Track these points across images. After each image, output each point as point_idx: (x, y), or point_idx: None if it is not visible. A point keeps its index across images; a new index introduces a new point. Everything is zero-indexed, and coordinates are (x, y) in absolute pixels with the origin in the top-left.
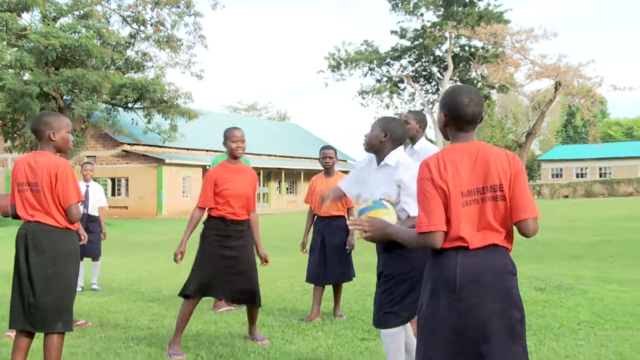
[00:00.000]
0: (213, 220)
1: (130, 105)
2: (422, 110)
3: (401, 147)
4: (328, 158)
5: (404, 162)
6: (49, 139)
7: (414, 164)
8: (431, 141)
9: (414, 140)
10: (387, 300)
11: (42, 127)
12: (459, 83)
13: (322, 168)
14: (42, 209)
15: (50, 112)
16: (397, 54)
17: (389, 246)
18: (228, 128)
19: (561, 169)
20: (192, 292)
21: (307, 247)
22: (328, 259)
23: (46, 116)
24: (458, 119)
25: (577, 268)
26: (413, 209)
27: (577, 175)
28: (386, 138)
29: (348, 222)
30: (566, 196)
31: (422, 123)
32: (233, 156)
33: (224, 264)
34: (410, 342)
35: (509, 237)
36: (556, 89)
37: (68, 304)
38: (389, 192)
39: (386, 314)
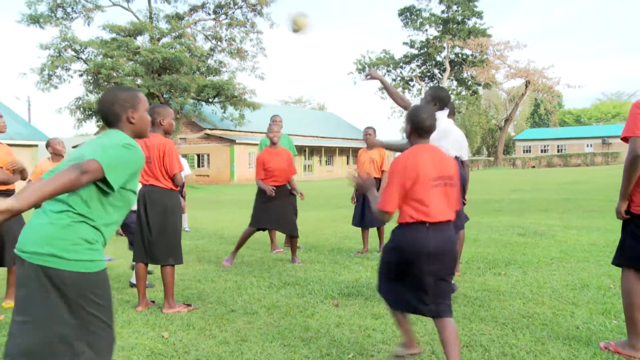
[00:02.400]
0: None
1: (210, 100)
2: None
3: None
4: (367, 135)
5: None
6: (159, 124)
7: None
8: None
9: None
10: None
11: (154, 115)
12: (454, 81)
13: (354, 146)
14: (153, 176)
15: (160, 105)
16: (408, 59)
17: None
18: (269, 124)
19: (530, 146)
20: (252, 224)
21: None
22: (366, 209)
23: (157, 107)
24: (419, 129)
25: (546, 219)
26: None
27: (542, 151)
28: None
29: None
30: (533, 166)
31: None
32: (272, 142)
33: (267, 210)
34: None
35: None
36: (526, 86)
37: (176, 243)
38: None
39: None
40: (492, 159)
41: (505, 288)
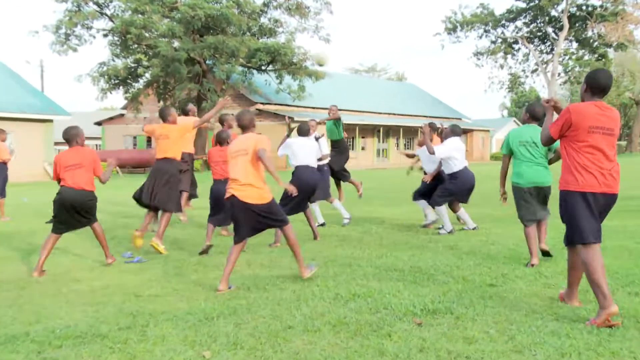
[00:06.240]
0: None
1: (263, 67)
2: (536, 69)
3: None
4: None
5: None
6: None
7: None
8: (539, 98)
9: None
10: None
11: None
12: (574, 42)
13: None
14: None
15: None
16: (512, 15)
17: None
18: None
19: None
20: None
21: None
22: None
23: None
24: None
25: None
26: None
27: None
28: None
29: None
30: None
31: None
32: None
33: None
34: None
35: None
36: None
37: None
38: None
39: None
40: (624, 143)
41: None
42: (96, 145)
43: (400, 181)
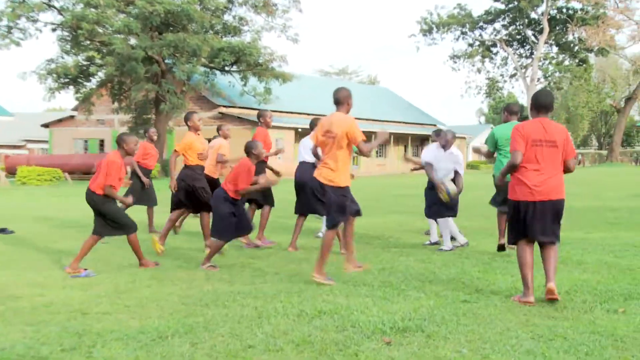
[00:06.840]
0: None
1: (227, 68)
2: (515, 74)
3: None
4: None
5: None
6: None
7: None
8: (522, 107)
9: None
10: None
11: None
12: (554, 47)
13: (415, 132)
14: None
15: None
16: (491, 17)
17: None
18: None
19: None
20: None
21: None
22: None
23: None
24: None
25: None
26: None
27: None
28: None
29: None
30: None
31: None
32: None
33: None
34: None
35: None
36: None
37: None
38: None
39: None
40: (604, 152)
41: (624, 331)
42: (42, 149)
43: (372, 190)
